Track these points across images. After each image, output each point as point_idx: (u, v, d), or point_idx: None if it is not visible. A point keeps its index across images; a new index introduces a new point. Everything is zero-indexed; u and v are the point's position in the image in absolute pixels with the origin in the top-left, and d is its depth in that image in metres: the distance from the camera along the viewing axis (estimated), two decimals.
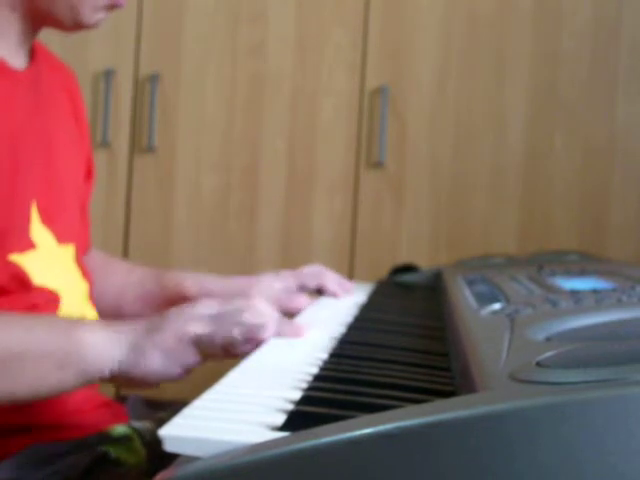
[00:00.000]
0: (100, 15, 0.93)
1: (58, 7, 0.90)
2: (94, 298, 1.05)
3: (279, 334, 0.79)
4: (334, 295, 1.15)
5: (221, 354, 0.77)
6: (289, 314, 0.98)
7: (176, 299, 1.07)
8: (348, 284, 1.19)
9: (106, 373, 0.76)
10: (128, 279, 1.15)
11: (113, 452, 0.84)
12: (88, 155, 1.10)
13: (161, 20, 2.00)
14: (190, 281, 1.12)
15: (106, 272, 1.15)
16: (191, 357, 0.76)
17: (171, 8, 2.00)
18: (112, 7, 0.93)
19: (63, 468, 0.82)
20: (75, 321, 0.81)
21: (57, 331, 0.77)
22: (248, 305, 0.79)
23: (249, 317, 0.77)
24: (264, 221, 1.98)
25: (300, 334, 0.80)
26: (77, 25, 0.92)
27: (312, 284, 1.15)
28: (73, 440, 0.87)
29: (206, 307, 0.79)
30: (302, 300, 1.09)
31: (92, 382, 0.77)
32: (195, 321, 0.77)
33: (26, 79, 0.94)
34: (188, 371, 0.78)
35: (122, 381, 0.78)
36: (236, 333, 0.76)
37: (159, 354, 0.75)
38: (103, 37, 1.95)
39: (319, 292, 1.17)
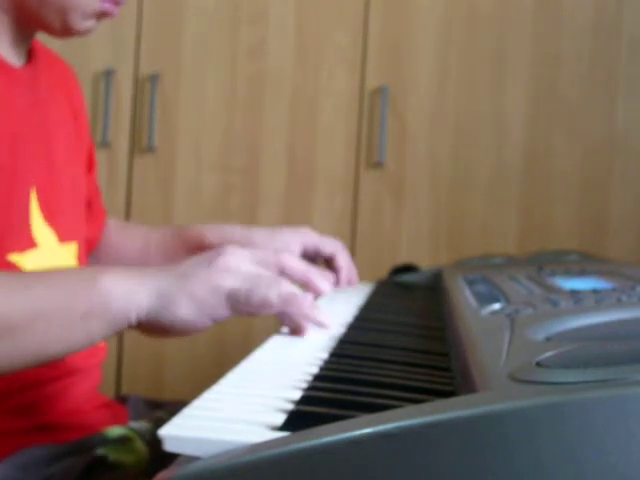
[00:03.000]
0: (90, 23, 0.92)
1: (46, 12, 0.89)
2: (116, 260, 1.08)
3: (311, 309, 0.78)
4: (338, 279, 1.15)
5: (253, 313, 0.75)
6: None
7: (198, 251, 1.06)
8: (355, 276, 1.20)
9: (133, 320, 0.73)
10: (149, 238, 1.17)
11: (111, 454, 0.84)
12: (89, 148, 1.11)
13: (161, 20, 2.00)
14: (211, 232, 1.13)
15: (124, 237, 1.17)
16: (223, 310, 0.74)
17: (171, 8, 2.00)
18: (103, 15, 0.92)
19: (59, 471, 0.82)
20: (97, 270, 0.77)
21: (79, 283, 0.74)
22: (286, 265, 0.78)
23: (288, 282, 0.76)
24: (264, 221, 1.98)
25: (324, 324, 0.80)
26: (66, 31, 0.91)
27: (327, 250, 1.16)
28: (70, 442, 0.87)
29: (239, 259, 0.76)
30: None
31: (120, 330, 0.74)
32: (231, 274, 0.74)
33: (24, 77, 0.94)
34: (215, 322, 0.75)
35: (150, 329, 0.75)
36: (273, 297, 0.74)
37: (190, 303, 0.72)
38: (103, 37, 1.95)
39: (328, 264, 1.18)
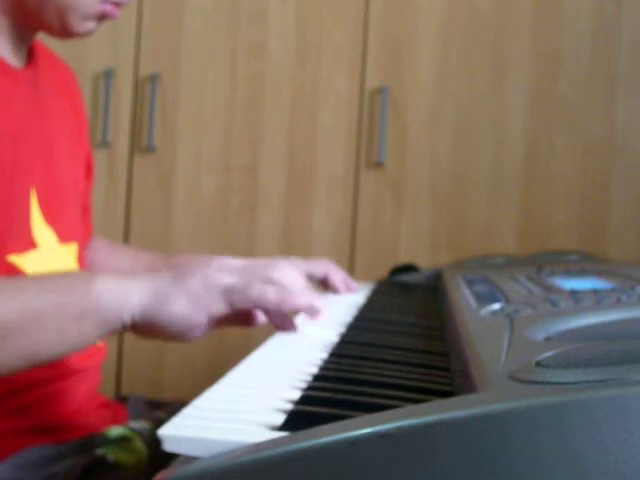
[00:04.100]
0: (90, 24, 0.92)
1: (46, 13, 0.89)
2: None
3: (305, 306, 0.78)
4: (337, 289, 1.16)
5: (251, 307, 0.75)
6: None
7: None
8: (353, 284, 1.20)
9: (127, 320, 0.73)
10: (136, 263, 1.16)
11: (111, 454, 0.84)
12: (87, 152, 1.10)
13: (161, 20, 2.00)
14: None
15: (113, 257, 1.17)
16: (218, 305, 0.74)
17: (171, 8, 2.00)
18: (103, 17, 0.92)
19: (60, 471, 0.82)
20: (91, 273, 0.78)
21: (72, 285, 0.74)
22: (280, 267, 0.78)
23: (281, 277, 0.76)
24: (264, 221, 1.98)
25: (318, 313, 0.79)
26: (66, 32, 0.91)
27: (319, 273, 1.17)
28: (70, 442, 0.87)
29: (235, 261, 0.77)
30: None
31: (115, 331, 0.74)
32: (227, 272, 0.75)
33: (25, 78, 0.94)
34: (212, 321, 0.75)
35: (146, 329, 0.75)
36: (270, 291, 0.75)
37: (185, 298, 0.73)
38: (103, 37, 1.95)
39: (323, 284, 1.19)
